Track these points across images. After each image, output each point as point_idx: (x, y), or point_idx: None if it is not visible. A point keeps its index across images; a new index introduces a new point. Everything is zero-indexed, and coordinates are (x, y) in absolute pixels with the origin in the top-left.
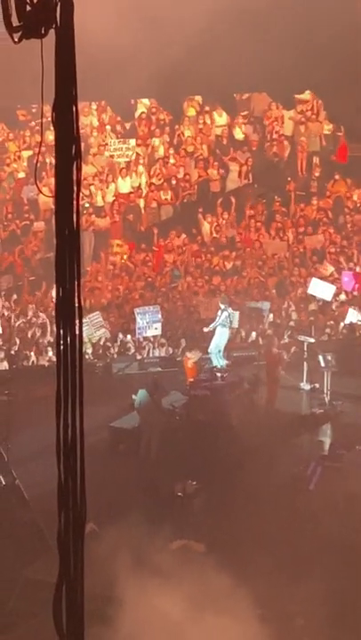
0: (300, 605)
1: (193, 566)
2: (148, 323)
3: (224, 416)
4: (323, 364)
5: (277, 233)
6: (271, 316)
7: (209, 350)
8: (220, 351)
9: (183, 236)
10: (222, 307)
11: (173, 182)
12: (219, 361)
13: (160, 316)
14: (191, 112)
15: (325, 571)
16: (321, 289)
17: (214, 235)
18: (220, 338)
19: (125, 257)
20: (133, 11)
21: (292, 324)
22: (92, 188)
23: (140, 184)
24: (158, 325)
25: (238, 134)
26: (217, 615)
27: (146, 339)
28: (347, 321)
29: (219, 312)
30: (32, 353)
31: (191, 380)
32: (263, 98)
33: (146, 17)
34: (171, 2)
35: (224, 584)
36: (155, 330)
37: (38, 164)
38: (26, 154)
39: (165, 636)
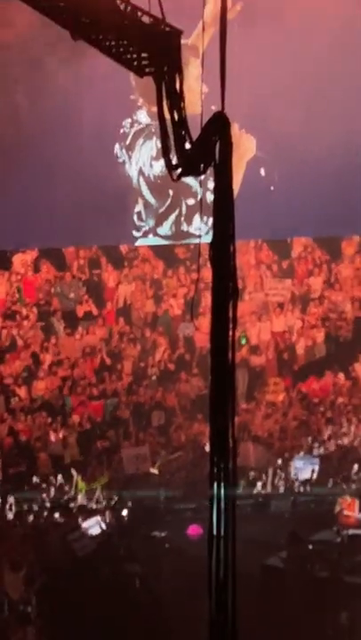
0: None
1: None
2: (305, 464)
3: None
4: None
5: None
6: None
7: None
8: None
9: (340, 374)
10: None
11: (328, 322)
12: None
13: (317, 466)
14: (349, 251)
15: None
16: None
17: None
18: None
19: (281, 396)
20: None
21: None
22: (247, 325)
23: (295, 322)
24: (316, 468)
25: None
26: None
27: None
28: None
29: None
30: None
31: (347, 517)
32: None
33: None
34: None
35: None
36: (311, 472)
37: (194, 301)
38: (182, 291)
39: None
